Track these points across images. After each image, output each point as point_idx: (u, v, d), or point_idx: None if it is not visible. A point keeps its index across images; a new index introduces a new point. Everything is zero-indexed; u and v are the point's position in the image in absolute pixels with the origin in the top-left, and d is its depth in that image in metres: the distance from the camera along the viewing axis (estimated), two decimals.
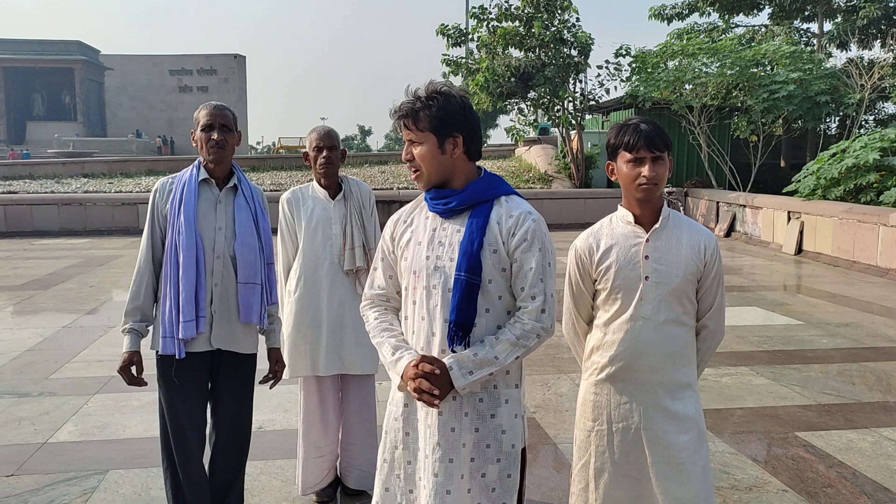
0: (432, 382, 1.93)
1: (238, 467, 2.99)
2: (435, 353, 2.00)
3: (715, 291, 2.29)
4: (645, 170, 2.18)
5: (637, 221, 2.27)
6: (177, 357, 2.70)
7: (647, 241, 2.24)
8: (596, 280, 2.31)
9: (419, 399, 1.95)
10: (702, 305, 2.30)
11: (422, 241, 2.06)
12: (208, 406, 2.90)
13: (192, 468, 2.81)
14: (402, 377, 2.00)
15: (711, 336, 2.34)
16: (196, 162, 2.83)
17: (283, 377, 3.09)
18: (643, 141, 2.17)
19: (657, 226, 2.25)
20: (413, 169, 2.05)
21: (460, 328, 1.96)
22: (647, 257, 2.23)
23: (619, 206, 2.35)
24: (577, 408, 2.41)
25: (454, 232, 2.02)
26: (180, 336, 2.67)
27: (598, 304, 2.35)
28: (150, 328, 2.81)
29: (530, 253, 1.99)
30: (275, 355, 3.03)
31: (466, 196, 2.02)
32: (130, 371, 2.77)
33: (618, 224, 2.32)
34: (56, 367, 5.61)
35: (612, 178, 2.31)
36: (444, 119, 1.99)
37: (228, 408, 2.88)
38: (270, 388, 3.07)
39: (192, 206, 2.71)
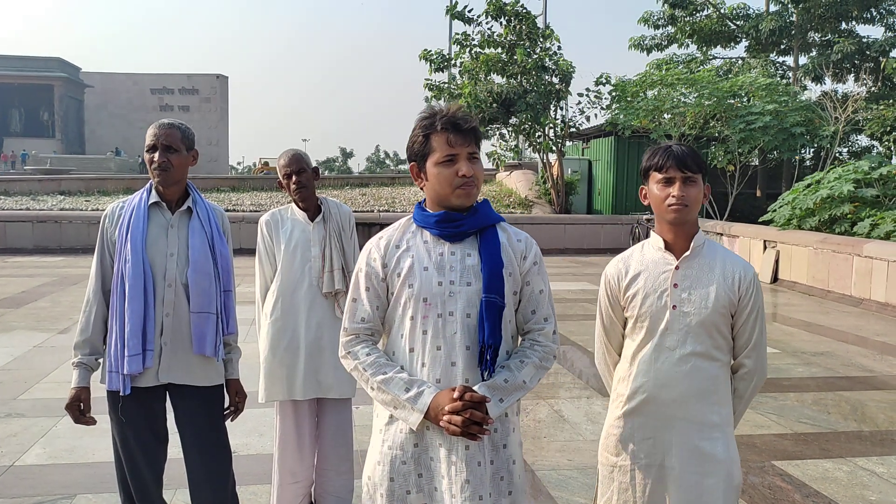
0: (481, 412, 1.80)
1: None
2: (459, 383, 1.87)
3: (752, 327, 2.17)
4: (675, 189, 2.10)
5: (668, 248, 2.18)
6: (122, 393, 2.51)
7: (677, 268, 2.15)
8: (624, 307, 2.23)
9: (462, 433, 1.78)
10: (738, 342, 2.18)
11: (428, 267, 1.93)
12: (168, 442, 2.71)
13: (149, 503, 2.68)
14: (425, 414, 1.84)
15: (750, 376, 2.19)
16: (147, 185, 2.66)
17: (260, 401, 3.02)
18: (673, 160, 2.11)
19: (688, 253, 2.15)
20: (471, 185, 1.94)
21: (492, 352, 1.87)
22: (675, 286, 2.14)
23: (651, 233, 2.26)
24: (600, 440, 2.31)
25: (464, 256, 1.94)
26: (125, 371, 2.49)
27: (627, 332, 2.25)
28: (101, 361, 2.64)
29: (540, 276, 2.00)
30: (234, 386, 2.80)
31: (477, 219, 1.96)
32: (78, 408, 2.58)
33: (649, 250, 2.23)
34: (26, 387, 5.49)
35: (645, 203, 2.23)
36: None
37: (195, 446, 2.68)
38: (231, 420, 2.82)
39: (139, 232, 2.53)
